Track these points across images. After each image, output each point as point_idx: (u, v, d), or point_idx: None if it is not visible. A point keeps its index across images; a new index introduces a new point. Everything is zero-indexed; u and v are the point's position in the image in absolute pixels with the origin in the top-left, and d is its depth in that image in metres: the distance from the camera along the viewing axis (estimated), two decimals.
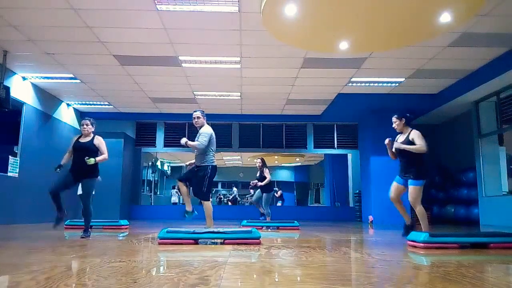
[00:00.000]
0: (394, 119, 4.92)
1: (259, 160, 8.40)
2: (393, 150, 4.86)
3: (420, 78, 8.57)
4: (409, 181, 4.63)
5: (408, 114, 4.93)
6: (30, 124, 8.79)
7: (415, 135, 4.70)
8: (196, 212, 5.32)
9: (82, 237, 4.79)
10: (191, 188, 5.28)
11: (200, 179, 5.05)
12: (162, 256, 3.27)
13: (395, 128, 4.91)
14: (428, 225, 4.70)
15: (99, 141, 4.94)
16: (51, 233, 5.67)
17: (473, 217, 9.46)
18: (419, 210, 4.60)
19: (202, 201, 5.11)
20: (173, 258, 3.13)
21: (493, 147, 8.99)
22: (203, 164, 5.09)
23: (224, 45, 6.90)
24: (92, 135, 4.99)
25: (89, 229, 4.97)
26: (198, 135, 5.17)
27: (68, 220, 7.27)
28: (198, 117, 5.22)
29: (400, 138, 4.87)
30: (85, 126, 4.94)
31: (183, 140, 5.01)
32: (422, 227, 4.69)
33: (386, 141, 4.90)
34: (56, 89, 9.46)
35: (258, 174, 8.32)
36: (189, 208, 5.23)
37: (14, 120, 8.53)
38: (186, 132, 12.45)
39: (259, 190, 8.24)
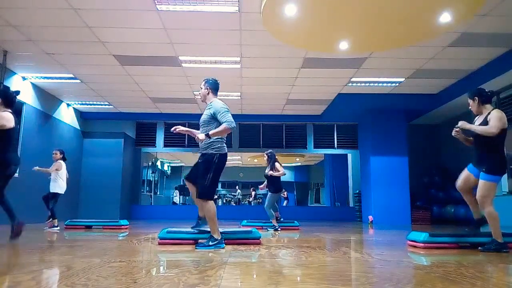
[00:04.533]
0: (469, 101, 4.02)
1: (265, 156, 7.02)
2: (464, 135, 4.00)
3: (420, 78, 8.57)
4: (481, 174, 3.75)
5: (487, 90, 3.99)
6: (30, 124, 8.78)
7: (492, 115, 3.75)
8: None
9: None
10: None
11: (203, 171, 3.78)
12: (162, 256, 3.27)
13: (472, 111, 4.03)
14: (499, 232, 3.70)
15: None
16: (51, 233, 5.67)
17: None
18: (488, 212, 3.69)
19: (202, 201, 3.79)
20: (173, 258, 3.12)
21: None
22: (208, 152, 3.81)
23: (224, 45, 6.90)
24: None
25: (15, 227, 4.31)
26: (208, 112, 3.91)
27: (68, 220, 7.29)
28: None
29: (478, 120, 3.96)
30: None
31: (201, 136, 3.70)
32: (492, 232, 3.75)
33: (454, 133, 3.99)
34: (56, 89, 9.46)
35: (266, 171, 6.93)
36: (202, 213, 4.12)
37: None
38: None
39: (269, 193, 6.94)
